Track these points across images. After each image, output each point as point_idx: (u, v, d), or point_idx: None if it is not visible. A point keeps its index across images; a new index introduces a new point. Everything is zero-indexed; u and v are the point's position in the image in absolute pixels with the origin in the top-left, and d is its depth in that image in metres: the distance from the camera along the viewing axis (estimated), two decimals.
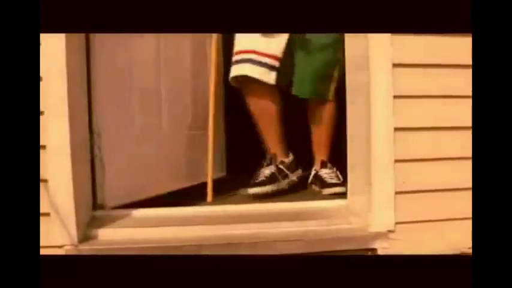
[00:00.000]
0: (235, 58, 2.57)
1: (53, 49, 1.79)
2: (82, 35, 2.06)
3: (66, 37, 1.80)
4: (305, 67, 2.58)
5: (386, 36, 1.96)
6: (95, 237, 1.96)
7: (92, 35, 2.11)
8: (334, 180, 2.72)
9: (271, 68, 2.52)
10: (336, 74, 2.56)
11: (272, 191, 2.58)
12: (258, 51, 2.49)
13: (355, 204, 2.18)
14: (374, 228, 2.00)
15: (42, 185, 1.81)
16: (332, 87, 2.60)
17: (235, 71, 2.57)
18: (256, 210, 2.25)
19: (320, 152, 2.82)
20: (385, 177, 2.00)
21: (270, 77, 2.53)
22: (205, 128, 2.70)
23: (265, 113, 2.68)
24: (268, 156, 2.75)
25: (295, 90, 2.61)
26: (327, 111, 2.67)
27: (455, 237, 1.92)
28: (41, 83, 1.78)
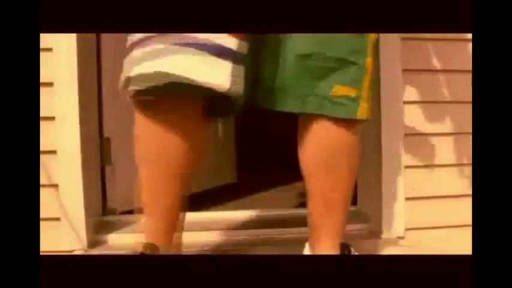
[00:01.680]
0: (142, 48, 1.21)
1: (64, 54, 1.82)
2: (93, 40, 2.08)
3: (78, 42, 1.83)
4: (299, 46, 1.28)
5: (396, 42, 1.96)
6: (104, 242, 1.97)
7: (103, 40, 2.13)
8: None
9: (235, 56, 1.18)
10: (364, 62, 1.31)
11: None
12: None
13: (364, 211, 2.17)
14: (384, 235, 1.99)
15: (52, 190, 1.83)
16: (364, 91, 1.32)
17: (148, 66, 1.18)
18: (267, 215, 2.25)
19: (327, 229, 1.43)
20: (395, 183, 1.99)
21: (236, 80, 1.20)
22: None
23: (172, 159, 1.33)
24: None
25: (277, 103, 1.32)
26: (350, 143, 1.36)
27: (465, 244, 1.90)
28: (51, 88, 1.80)
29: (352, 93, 1.30)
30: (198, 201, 2.57)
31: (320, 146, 1.36)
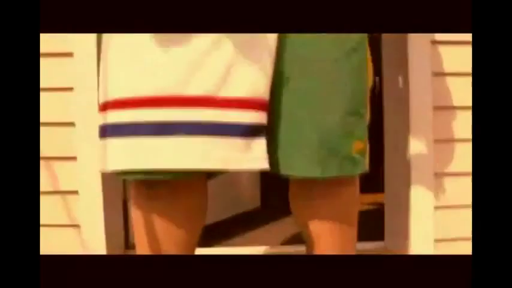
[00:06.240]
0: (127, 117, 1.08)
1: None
2: None
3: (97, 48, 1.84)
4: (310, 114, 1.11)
5: (426, 45, 1.90)
6: None
7: None
8: None
9: (257, 132, 1.05)
10: (366, 111, 1.19)
11: None
12: (220, 97, 1.02)
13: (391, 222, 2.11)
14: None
15: (74, 230, 1.85)
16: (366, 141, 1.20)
17: (148, 156, 1.04)
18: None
19: None
20: (424, 191, 1.92)
21: (259, 161, 1.06)
22: None
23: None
24: None
25: (288, 167, 1.13)
26: (357, 194, 1.28)
27: None
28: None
29: (362, 146, 1.17)
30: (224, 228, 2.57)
31: (335, 207, 1.22)
